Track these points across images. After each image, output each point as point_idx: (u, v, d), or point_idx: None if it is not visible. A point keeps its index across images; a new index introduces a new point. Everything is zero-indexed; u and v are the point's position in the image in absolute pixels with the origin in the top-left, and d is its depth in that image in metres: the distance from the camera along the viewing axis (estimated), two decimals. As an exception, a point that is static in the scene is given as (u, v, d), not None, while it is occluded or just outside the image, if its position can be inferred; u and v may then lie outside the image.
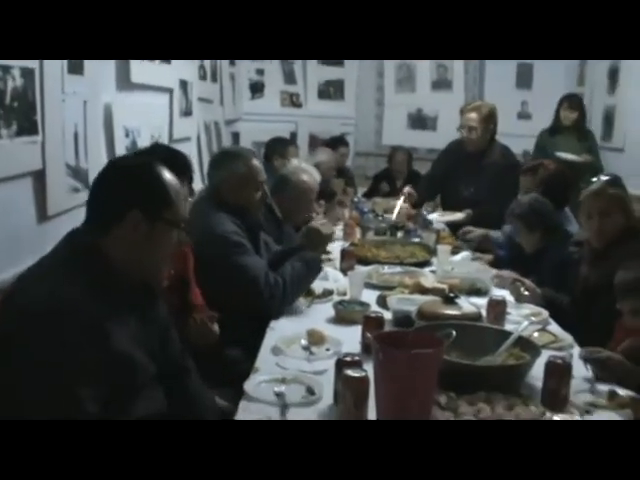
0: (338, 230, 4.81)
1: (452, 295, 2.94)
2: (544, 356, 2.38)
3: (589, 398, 2.33)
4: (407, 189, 5.45)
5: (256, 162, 3.37)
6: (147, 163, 2.04)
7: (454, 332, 2.09)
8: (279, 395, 2.23)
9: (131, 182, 1.94)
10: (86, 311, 1.76)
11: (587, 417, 2.19)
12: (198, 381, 2.34)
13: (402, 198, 5.33)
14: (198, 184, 4.51)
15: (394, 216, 5.14)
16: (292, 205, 3.87)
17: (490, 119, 5.03)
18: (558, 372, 2.27)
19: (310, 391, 2.29)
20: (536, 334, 2.83)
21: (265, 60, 7.79)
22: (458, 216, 5.11)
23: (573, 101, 6.39)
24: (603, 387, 2.38)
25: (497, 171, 4.94)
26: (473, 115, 5.00)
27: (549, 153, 5.92)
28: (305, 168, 4.15)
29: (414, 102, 8.09)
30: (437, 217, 5.18)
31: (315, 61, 7.90)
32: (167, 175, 2.01)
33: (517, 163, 5.06)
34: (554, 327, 3.04)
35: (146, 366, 1.96)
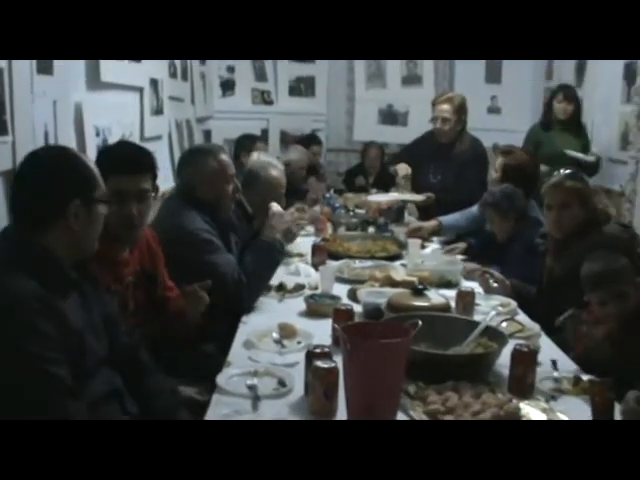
0: (310, 227, 4.87)
1: (421, 287, 2.98)
2: (511, 345, 2.43)
3: (554, 384, 2.39)
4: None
5: (224, 156, 3.42)
6: (66, 152, 2.11)
7: (420, 322, 2.13)
8: (251, 388, 2.27)
9: (63, 175, 1.99)
10: (40, 298, 1.82)
11: (552, 403, 2.25)
12: (155, 371, 2.40)
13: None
14: (170, 182, 4.52)
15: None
16: (262, 200, 3.89)
17: (462, 110, 5.06)
18: (524, 360, 2.34)
19: (282, 383, 2.33)
20: (504, 324, 2.87)
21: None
22: (417, 197, 5.13)
23: (569, 92, 5.87)
24: (568, 374, 2.44)
25: (464, 160, 4.98)
26: (446, 107, 5.02)
27: (546, 151, 5.59)
28: (273, 162, 4.16)
29: (385, 98, 8.11)
30: (396, 195, 5.20)
31: (285, 58, 7.93)
32: (85, 157, 2.11)
33: (485, 154, 5.09)
34: (522, 317, 3.10)
35: (94, 348, 2.03)
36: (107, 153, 2.72)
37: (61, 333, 1.84)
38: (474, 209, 4.40)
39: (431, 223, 4.73)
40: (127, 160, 2.61)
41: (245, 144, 6.07)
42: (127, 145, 2.96)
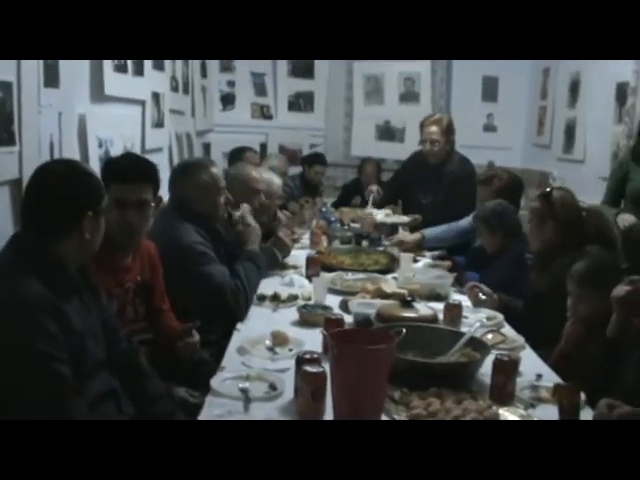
0: (305, 238, 4.98)
1: (409, 299, 3.08)
2: (494, 355, 2.51)
3: (534, 393, 2.48)
4: (373, 187, 5.64)
5: (215, 170, 3.54)
6: (76, 167, 2.21)
7: (404, 330, 2.23)
8: (243, 390, 2.35)
9: (76, 190, 2.09)
10: (46, 299, 1.93)
11: (531, 410, 2.33)
12: (152, 376, 2.50)
13: (371, 197, 5.53)
14: (169, 193, 4.61)
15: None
16: (240, 198, 3.94)
17: (450, 130, 5.12)
18: (504, 369, 2.42)
19: (272, 387, 2.41)
20: (489, 336, 2.96)
21: (235, 72, 7.99)
22: (403, 219, 5.24)
23: None
24: (548, 383, 2.53)
25: (453, 180, 5.05)
26: (434, 129, 5.07)
27: (635, 186, 4.41)
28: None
29: (382, 114, 8.25)
30: (383, 218, 5.30)
31: (285, 73, 8.08)
32: (91, 168, 2.24)
33: (474, 174, 5.12)
34: (508, 330, 3.18)
35: (94, 350, 2.13)
36: (112, 163, 2.84)
37: (65, 334, 1.94)
38: (462, 223, 4.52)
39: (414, 236, 4.85)
40: (129, 170, 2.72)
41: (236, 156, 6.17)
42: (131, 156, 3.09)
